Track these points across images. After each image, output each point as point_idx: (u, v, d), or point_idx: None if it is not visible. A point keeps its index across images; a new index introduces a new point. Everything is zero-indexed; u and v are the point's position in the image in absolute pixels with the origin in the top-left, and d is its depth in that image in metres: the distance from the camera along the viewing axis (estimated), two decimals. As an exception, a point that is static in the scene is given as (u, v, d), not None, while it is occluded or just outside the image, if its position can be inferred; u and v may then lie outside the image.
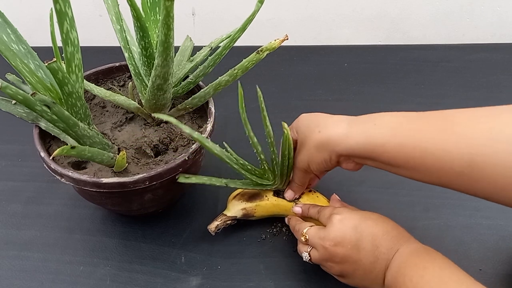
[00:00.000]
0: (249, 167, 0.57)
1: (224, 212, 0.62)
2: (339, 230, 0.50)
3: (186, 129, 0.48)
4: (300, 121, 0.56)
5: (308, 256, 0.54)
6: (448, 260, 0.46)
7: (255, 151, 0.54)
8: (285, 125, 0.52)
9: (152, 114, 0.50)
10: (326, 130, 0.51)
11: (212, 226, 0.61)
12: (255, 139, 0.53)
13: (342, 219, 0.51)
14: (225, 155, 0.54)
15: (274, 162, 0.56)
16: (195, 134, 0.49)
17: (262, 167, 0.57)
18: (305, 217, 0.59)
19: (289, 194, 0.60)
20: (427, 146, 0.43)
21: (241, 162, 0.56)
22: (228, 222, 0.61)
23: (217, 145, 0.53)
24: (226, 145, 0.53)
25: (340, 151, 0.50)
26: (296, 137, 0.56)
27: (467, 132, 0.41)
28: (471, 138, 0.41)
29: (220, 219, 0.61)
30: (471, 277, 0.43)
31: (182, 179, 0.56)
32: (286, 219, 0.61)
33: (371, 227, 0.49)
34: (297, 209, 0.59)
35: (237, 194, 0.62)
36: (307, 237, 0.53)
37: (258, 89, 0.51)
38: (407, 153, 0.45)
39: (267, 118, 0.52)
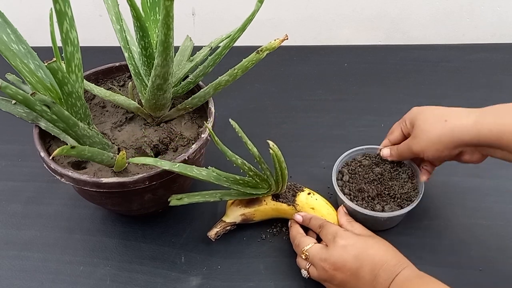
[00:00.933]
0: (241, 181, 0.56)
1: (223, 219, 0.62)
2: (341, 256, 0.51)
3: (165, 166, 0.49)
4: (415, 113, 0.57)
5: (307, 273, 0.55)
6: (441, 284, 0.46)
7: (241, 170, 0.54)
8: (271, 143, 0.52)
9: (129, 160, 0.51)
10: (454, 119, 0.51)
11: (212, 233, 0.61)
12: (239, 161, 0.53)
13: (345, 245, 0.52)
14: (213, 177, 0.54)
15: (266, 176, 0.56)
16: (176, 168, 0.50)
17: (255, 180, 0.57)
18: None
19: (385, 151, 0.62)
20: None
21: (232, 179, 0.55)
22: (228, 228, 0.62)
23: (203, 168, 0.53)
24: (211, 168, 0.53)
25: (468, 141, 0.50)
26: (408, 130, 0.57)
27: None
28: None
29: (219, 226, 0.61)
30: None
31: (174, 202, 0.56)
32: (289, 223, 0.62)
33: (372, 257, 0.50)
34: (298, 217, 0.60)
35: (235, 200, 0.62)
36: (308, 255, 0.54)
37: (233, 122, 0.51)
38: None
39: (248, 142, 0.52)
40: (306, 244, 0.55)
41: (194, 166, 0.53)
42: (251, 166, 0.54)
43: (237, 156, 0.52)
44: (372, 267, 0.50)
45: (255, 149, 0.52)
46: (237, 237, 0.63)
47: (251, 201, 0.61)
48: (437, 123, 0.52)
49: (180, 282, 0.58)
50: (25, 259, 0.62)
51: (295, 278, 0.58)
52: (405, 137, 0.59)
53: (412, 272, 0.49)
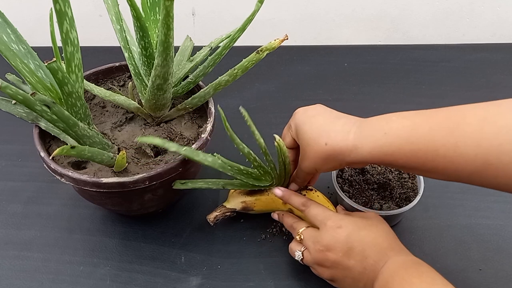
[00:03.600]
0: (244, 171, 0.56)
1: (224, 204, 0.62)
2: (332, 237, 0.50)
3: (173, 147, 0.49)
4: (297, 122, 0.53)
5: (301, 255, 0.54)
6: (436, 275, 0.46)
7: (247, 160, 0.54)
8: (277, 137, 0.52)
9: (137, 139, 0.51)
10: (333, 142, 0.48)
11: (211, 217, 0.61)
12: (246, 150, 0.53)
13: (335, 226, 0.51)
14: (217, 164, 0.53)
15: (270, 168, 0.56)
16: (183, 151, 0.50)
17: (259, 172, 0.57)
18: (299, 216, 0.59)
19: (292, 187, 0.60)
20: (439, 149, 0.43)
21: (236, 168, 0.55)
22: (228, 214, 0.62)
23: (209, 154, 0.53)
24: (217, 155, 0.53)
25: (351, 161, 0.49)
26: (294, 135, 0.54)
27: (476, 132, 0.41)
28: (482, 139, 0.40)
29: (219, 210, 0.61)
30: None
31: (178, 185, 0.56)
32: (275, 215, 0.61)
33: (363, 237, 0.50)
34: (277, 192, 0.58)
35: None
36: (302, 237, 0.54)
37: (243, 110, 0.50)
38: (420, 157, 0.44)
39: (256, 132, 0.52)
40: (301, 227, 0.55)
41: (200, 151, 0.53)
42: (256, 157, 0.54)
43: (244, 145, 0.52)
44: (362, 247, 0.49)
45: (261, 140, 0.53)
46: (237, 237, 0.63)
47: (253, 190, 0.61)
48: (318, 146, 0.50)
49: (180, 282, 0.58)
50: (25, 259, 0.62)
51: (295, 278, 0.58)
52: (295, 141, 0.56)
53: (406, 258, 0.48)
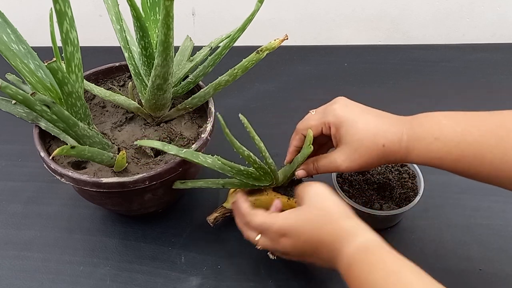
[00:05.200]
0: (244, 172, 0.55)
1: (224, 205, 0.62)
2: (282, 246, 0.49)
3: (172, 150, 0.49)
4: (341, 120, 0.51)
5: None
6: (399, 262, 0.42)
7: (247, 162, 0.54)
8: (311, 133, 0.50)
9: (136, 142, 0.51)
10: (390, 144, 0.48)
11: (211, 218, 0.61)
12: (246, 153, 0.52)
13: (278, 236, 0.49)
14: (217, 165, 0.53)
15: (270, 169, 0.56)
16: (182, 154, 0.50)
17: (259, 173, 0.57)
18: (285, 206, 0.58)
19: (301, 173, 0.56)
20: (486, 156, 0.43)
21: (236, 169, 0.54)
22: (227, 214, 0.61)
23: (208, 155, 0.53)
24: (217, 157, 0.53)
25: (397, 161, 0.49)
26: (334, 131, 0.52)
27: None
28: None
29: (219, 211, 0.61)
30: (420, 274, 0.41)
31: (177, 185, 0.56)
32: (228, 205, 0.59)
33: (307, 242, 0.47)
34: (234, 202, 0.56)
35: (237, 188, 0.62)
36: (260, 244, 0.52)
37: (242, 117, 0.49)
38: (466, 163, 0.45)
39: (256, 136, 0.51)
40: (254, 236, 0.53)
41: (200, 153, 0.53)
42: (257, 159, 0.54)
43: (244, 148, 0.52)
44: (312, 250, 0.47)
45: (261, 144, 0.52)
46: (237, 237, 0.63)
47: (253, 190, 0.61)
48: (375, 146, 0.49)
49: (180, 282, 0.58)
50: (25, 259, 0.62)
51: (295, 278, 0.58)
52: (323, 135, 0.53)
53: (357, 246, 0.44)
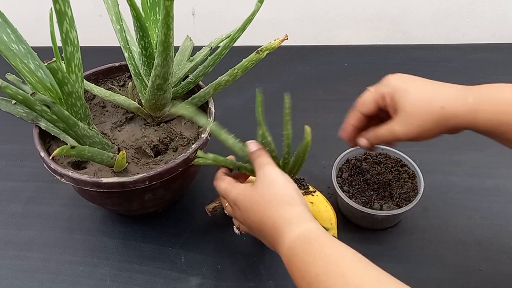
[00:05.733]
0: None
1: None
2: (238, 215, 0.51)
3: (201, 121, 0.50)
4: (397, 88, 0.50)
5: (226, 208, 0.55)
6: (332, 252, 0.41)
7: (267, 149, 0.54)
8: (308, 130, 0.51)
9: (173, 110, 0.51)
10: (451, 105, 0.46)
11: (210, 207, 0.61)
12: (269, 138, 0.53)
13: (232, 204, 0.51)
14: (238, 147, 0.53)
15: (286, 161, 0.56)
16: (210, 125, 0.51)
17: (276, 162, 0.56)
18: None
19: (362, 142, 0.54)
20: None
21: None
22: (226, 205, 0.61)
23: (230, 136, 0.53)
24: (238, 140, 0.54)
25: (463, 128, 0.47)
26: (390, 101, 0.50)
27: None
28: None
29: (218, 201, 0.61)
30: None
31: (199, 159, 0.55)
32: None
33: (252, 220, 0.48)
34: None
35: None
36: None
37: (286, 97, 0.50)
38: None
39: (289, 122, 0.52)
40: (225, 203, 0.55)
41: (224, 130, 0.53)
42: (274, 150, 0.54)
43: (267, 134, 0.53)
44: (257, 228, 0.48)
45: (290, 131, 0.53)
46: (237, 237, 0.63)
47: None
48: (432, 110, 0.47)
49: (180, 282, 0.58)
50: (25, 259, 0.62)
51: (295, 278, 0.58)
52: (379, 109, 0.52)
53: (297, 236, 0.43)
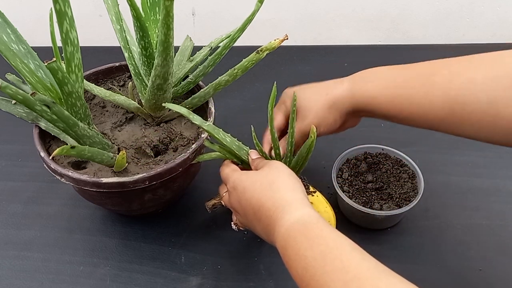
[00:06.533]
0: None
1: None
2: (228, 202, 0.53)
3: (196, 120, 0.50)
4: (290, 94, 0.58)
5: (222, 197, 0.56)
6: (329, 238, 0.41)
7: (272, 145, 0.54)
8: (314, 129, 0.51)
9: (164, 104, 0.51)
10: (332, 91, 0.54)
11: (209, 203, 0.61)
12: (276, 135, 0.54)
13: (231, 189, 0.51)
14: (235, 146, 0.54)
15: (288, 159, 0.56)
16: (205, 126, 0.51)
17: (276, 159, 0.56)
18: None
19: (282, 151, 0.57)
20: (414, 97, 0.49)
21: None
22: None
23: (228, 134, 0.54)
24: (235, 138, 0.54)
25: (348, 108, 0.54)
26: (286, 111, 0.58)
27: (445, 82, 0.46)
28: (449, 89, 0.46)
29: (218, 198, 0.61)
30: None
31: (203, 155, 0.56)
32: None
33: (249, 201, 0.48)
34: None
35: None
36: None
37: (295, 95, 0.55)
38: (398, 104, 0.50)
39: (294, 120, 0.53)
40: (224, 190, 0.56)
41: (221, 130, 0.53)
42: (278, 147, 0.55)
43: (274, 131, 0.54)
44: (253, 211, 0.48)
45: (294, 129, 0.54)
46: (237, 237, 0.63)
47: None
48: (319, 98, 0.55)
49: (180, 282, 0.58)
50: (25, 259, 0.62)
51: (295, 278, 0.58)
52: (287, 119, 0.58)
53: (296, 219, 0.43)
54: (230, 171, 0.53)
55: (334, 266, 0.38)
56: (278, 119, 0.58)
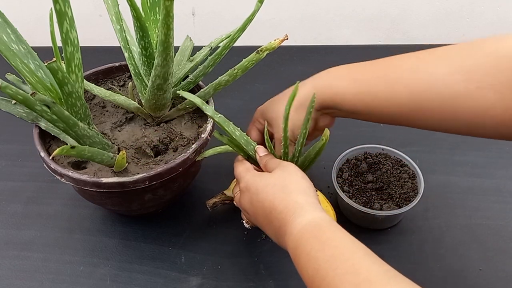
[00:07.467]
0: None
1: (225, 192, 0.63)
2: (239, 203, 0.53)
3: (208, 111, 0.51)
4: (263, 111, 0.58)
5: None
6: (342, 242, 0.41)
7: (283, 143, 0.54)
8: (327, 132, 0.51)
9: (179, 92, 0.52)
10: (298, 94, 0.52)
11: (210, 202, 0.61)
12: (287, 135, 0.53)
13: (244, 189, 0.51)
14: (243, 140, 0.54)
15: (295, 159, 0.55)
16: (217, 118, 0.51)
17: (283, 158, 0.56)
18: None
19: (262, 150, 0.56)
20: (378, 93, 0.49)
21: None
22: (227, 201, 0.62)
23: (238, 128, 0.54)
24: (244, 133, 0.54)
25: (318, 106, 0.53)
26: (263, 120, 0.58)
27: (409, 78, 0.47)
28: (414, 84, 0.46)
29: (219, 197, 0.61)
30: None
31: (208, 151, 0.56)
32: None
33: (262, 203, 0.48)
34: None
35: None
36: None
37: (314, 96, 0.52)
38: (362, 99, 0.50)
39: (309, 121, 0.52)
40: (237, 189, 0.55)
41: (231, 123, 0.54)
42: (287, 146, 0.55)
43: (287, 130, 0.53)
44: (263, 212, 0.47)
45: (307, 129, 0.53)
46: (237, 237, 0.63)
47: None
48: (286, 101, 0.54)
49: (180, 282, 0.58)
50: (25, 259, 0.62)
51: (295, 278, 0.58)
52: (262, 135, 0.57)
53: (308, 221, 0.43)
54: (244, 170, 0.53)
55: (345, 269, 0.38)
56: (254, 135, 0.59)
